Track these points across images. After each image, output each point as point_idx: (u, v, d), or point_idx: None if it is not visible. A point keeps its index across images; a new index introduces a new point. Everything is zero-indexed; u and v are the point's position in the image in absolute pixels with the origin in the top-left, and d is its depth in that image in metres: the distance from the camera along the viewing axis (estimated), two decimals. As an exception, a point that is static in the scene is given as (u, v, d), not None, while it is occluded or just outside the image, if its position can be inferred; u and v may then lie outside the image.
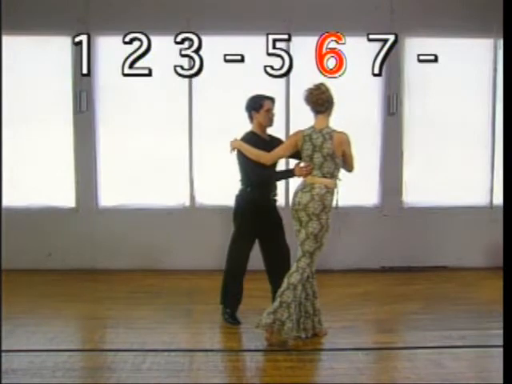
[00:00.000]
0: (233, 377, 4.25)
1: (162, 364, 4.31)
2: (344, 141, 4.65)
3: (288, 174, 5.09)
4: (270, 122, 5.09)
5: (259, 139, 5.06)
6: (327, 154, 4.63)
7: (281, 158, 5.00)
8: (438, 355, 4.47)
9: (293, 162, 4.98)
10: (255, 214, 5.04)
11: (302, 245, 4.68)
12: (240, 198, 5.13)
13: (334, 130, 4.67)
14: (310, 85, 4.69)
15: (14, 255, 6.80)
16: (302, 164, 4.77)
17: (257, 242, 5.21)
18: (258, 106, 5.04)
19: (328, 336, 4.79)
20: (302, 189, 4.71)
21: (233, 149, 5.04)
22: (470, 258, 7.11)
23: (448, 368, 4.25)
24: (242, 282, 5.16)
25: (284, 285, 4.65)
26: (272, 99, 5.09)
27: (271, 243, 5.18)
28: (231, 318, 5.14)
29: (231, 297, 5.18)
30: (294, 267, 4.69)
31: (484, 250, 7.07)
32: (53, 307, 5.66)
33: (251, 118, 5.10)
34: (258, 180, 5.02)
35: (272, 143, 5.04)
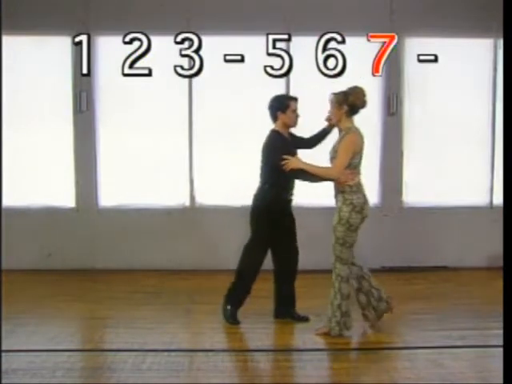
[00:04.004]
0: (233, 377, 4.25)
1: (162, 364, 4.31)
2: None
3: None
4: (295, 123, 5.07)
5: (284, 139, 5.03)
6: None
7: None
8: (437, 355, 4.47)
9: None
10: (271, 216, 4.98)
11: None
12: (258, 197, 5.07)
13: None
14: (343, 88, 4.74)
15: (14, 255, 6.80)
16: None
17: None
18: (285, 106, 5.00)
19: (328, 336, 4.78)
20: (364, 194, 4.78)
21: (290, 168, 4.78)
22: (470, 258, 7.10)
23: (448, 368, 4.24)
24: (251, 286, 5.12)
25: None
26: (296, 99, 5.07)
27: (283, 245, 5.16)
28: (231, 318, 5.11)
29: (236, 296, 5.14)
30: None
31: (484, 250, 7.06)
32: (53, 307, 5.66)
33: (275, 117, 5.04)
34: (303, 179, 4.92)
35: (295, 142, 5.03)
